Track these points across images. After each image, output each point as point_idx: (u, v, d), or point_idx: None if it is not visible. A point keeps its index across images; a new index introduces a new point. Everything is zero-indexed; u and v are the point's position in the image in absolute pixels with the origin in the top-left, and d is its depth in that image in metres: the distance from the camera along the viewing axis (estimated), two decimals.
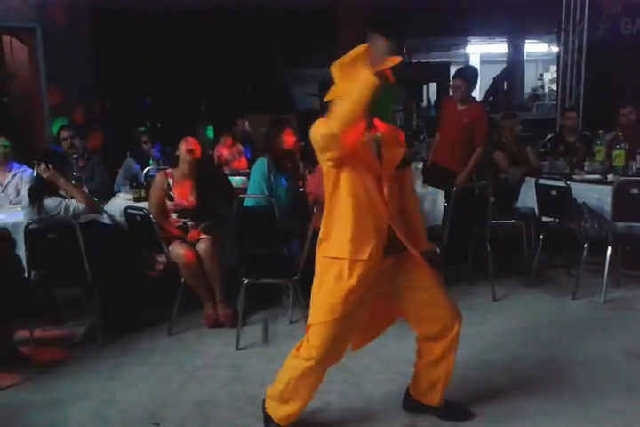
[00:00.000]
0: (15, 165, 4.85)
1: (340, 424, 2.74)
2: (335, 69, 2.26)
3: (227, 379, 3.20)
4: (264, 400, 2.64)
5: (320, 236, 2.42)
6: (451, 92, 5.25)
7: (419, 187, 4.55)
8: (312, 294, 2.44)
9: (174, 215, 4.01)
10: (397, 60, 2.24)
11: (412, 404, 2.77)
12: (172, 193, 4.01)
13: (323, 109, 2.38)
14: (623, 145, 4.73)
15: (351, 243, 2.32)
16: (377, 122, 2.38)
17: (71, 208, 3.82)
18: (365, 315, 2.49)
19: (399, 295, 2.51)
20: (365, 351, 3.26)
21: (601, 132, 5.12)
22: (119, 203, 4.42)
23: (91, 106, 7.40)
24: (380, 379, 3.12)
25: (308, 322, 2.43)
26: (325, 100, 2.29)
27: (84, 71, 7.20)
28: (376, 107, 2.27)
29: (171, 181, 4.03)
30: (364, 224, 2.33)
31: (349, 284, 2.33)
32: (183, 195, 4.00)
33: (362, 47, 2.24)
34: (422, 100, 13.65)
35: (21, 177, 4.80)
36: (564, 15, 7.61)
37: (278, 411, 2.56)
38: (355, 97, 2.15)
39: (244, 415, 2.83)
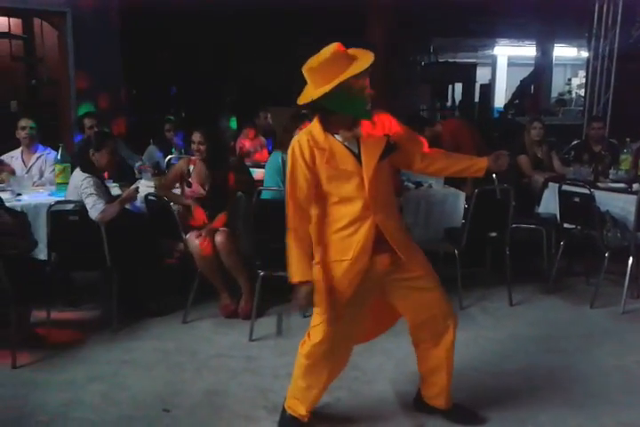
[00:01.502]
0: (40, 147, 4.89)
1: (349, 421, 2.73)
2: (306, 73, 2.27)
3: (238, 369, 3.21)
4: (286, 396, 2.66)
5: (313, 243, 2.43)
6: None
7: (440, 186, 4.52)
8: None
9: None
10: (370, 56, 2.22)
11: (422, 405, 2.77)
12: (190, 180, 4.02)
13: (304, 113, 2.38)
14: None
15: (334, 245, 2.36)
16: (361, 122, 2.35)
17: (89, 206, 3.68)
18: (367, 316, 2.51)
19: (395, 294, 2.50)
20: (378, 350, 3.28)
21: (628, 140, 5.05)
22: (140, 190, 4.42)
23: (117, 92, 7.45)
24: (391, 378, 3.11)
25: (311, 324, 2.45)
26: (299, 103, 2.29)
27: (111, 57, 7.25)
28: (354, 113, 2.29)
29: (192, 167, 4.04)
30: (346, 226, 2.34)
31: (337, 283, 2.36)
32: (200, 183, 4.01)
33: (329, 49, 2.23)
34: (447, 100, 13.56)
35: (45, 159, 4.84)
36: (595, 20, 7.51)
37: (297, 408, 2.59)
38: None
39: (253, 407, 2.83)
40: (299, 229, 2.36)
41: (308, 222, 2.38)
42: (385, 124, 2.39)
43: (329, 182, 2.33)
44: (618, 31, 7.35)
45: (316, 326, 2.43)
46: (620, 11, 7.27)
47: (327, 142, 2.31)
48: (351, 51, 2.27)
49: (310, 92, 2.25)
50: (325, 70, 2.20)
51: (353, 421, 2.73)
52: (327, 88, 2.19)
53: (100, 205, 3.68)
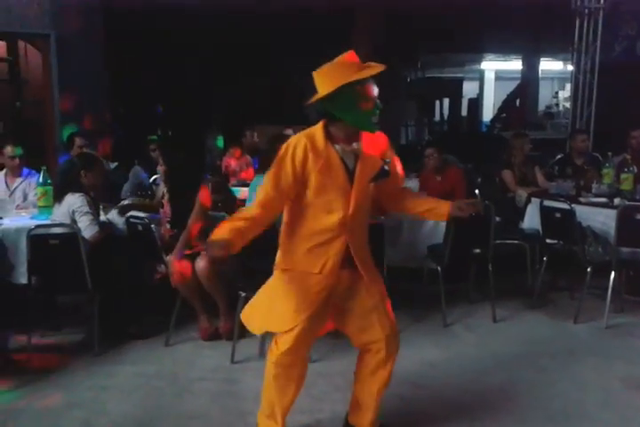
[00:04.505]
0: (25, 170, 4.87)
1: None
2: (315, 76, 2.28)
3: (220, 393, 3.19)
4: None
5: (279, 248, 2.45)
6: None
7: None
8: (267, 304, 2.45)
9: (168, 225, 3.98)
10: (380, 67, 2.26)
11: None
12: (163, 201, 4.01)
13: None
14: (632, 168, 4.68)
15: (303, 256, 2.36)
16: (363, 134, 2.36)
17: (84, 224, 3.75)
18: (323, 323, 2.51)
19: (343, 306, 2.48)
20: None
21: (610, 154, 5.08)
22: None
23: (102, 112, 7.45)
24: None
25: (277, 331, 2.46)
26: (308, 103, 2.31)
27: (96, 77, 7.26)
28: (357, 122, 2.29)
29: (165, 189, 4.04)
30: (320, 239, 2.34)
31: (304, 293, 2.35)
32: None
33: (341, 55, 2.28)
34: (434, 116, 13.66)
35: (29, 182, 4.82)
36: (577, 35, 7.59)
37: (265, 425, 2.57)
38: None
39: None
40: (255, 218, 2.30)
41: (261, 226, 2.34)
42: (380, 144, 2.40)
43: (313, 192, 2.31)
44: (599, 45, 7.43)
45: (285, 335, 2.41)
46: (600, 26, 7.36)
47: (326, 151, 2.30)
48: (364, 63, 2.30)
49: (317, 94, 2.26)
50: (333, 74, 2.23)
51: None
52: (331, 88, 2.20)
53: (96, 226, 3.78)
